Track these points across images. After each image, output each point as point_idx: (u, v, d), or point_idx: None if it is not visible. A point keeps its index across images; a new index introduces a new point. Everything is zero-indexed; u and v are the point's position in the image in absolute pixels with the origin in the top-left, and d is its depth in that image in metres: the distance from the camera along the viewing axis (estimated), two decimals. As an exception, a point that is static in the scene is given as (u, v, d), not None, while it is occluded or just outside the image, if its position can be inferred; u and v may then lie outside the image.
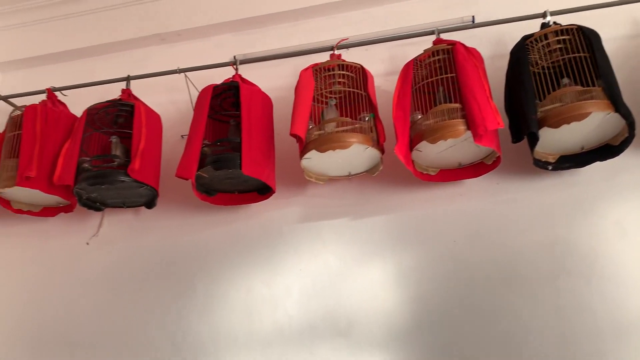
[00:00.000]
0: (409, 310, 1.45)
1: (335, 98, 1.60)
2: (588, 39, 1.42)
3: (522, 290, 1.40)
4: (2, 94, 1.77)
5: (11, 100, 1.76)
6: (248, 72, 1.67)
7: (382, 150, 1.49)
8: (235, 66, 1.64)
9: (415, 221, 1.55)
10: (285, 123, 1.54)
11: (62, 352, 1.57)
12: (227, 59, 1.76)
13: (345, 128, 1.44)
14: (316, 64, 1.57)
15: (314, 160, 1.49)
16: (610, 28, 1.57)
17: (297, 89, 1.53)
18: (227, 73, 1.67)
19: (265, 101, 1.59)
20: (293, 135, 1.43)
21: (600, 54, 1.40)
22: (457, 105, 1.39)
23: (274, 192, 1.56)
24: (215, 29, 1.85)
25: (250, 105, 1.50)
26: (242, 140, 1.43)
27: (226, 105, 1.60)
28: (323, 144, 1.41)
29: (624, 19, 1.63)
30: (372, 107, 1.52)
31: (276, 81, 1.72)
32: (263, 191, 1.60)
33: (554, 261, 1.43)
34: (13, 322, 1.62)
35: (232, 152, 1.45)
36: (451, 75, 1.45)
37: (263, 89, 1.60)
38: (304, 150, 1.45)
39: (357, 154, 1.46)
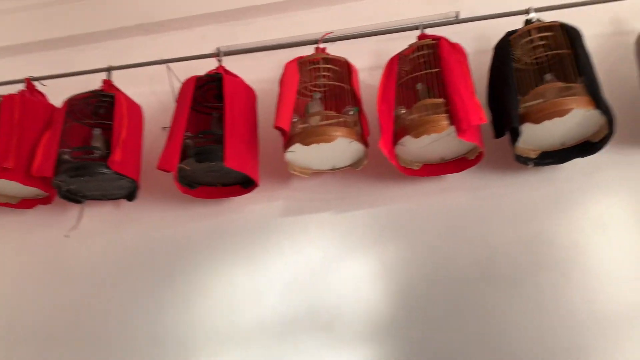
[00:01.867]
0: (390, 305, 1.46)
1: (319, 91, 1.60)
2: (570, 35, 1.44)
3: (503, 285, 1.42)
4: (-21, 84, 1.73)
5: (-12, 89, 1.70)
6: (232, 64, 1.66)
7: (366, 144, 1.49)
8: (218, 58, 1.63)
9: (399, 215, 1.56)
10: (269, 116, 1.53)
11: (41, 346, 1.57)
12: (210, 50, 1.75)
13: (329, 122, 1.44)
14: (301, 57, 1.56)
15: (298, 154, 1.49)
16: (592, 25, 1.59)
17: (282, 81, 1.53)
18: (210, 65, 1.66)
19: (248, 93, 1.59)
20: (277, 128, 1.42)
21: (582, 51, 1.41)
22: (441, 100, 1.40)
23: (257, 186, 1.56)
24: (199, 20, 1.84)
25: (233, 97, 1.49)
26: (225, 133, 1.42)
27: (209, 97, 1.58)
28: (307, 137, 1.41)
29: (605, 16, 1.65)
30: (357, 101, 1.52)
31: (260, 73, 1.72)
32: (246, 184, 1.60)
33: (535, 257, 1.45)
34: (-10, 316, 1.64)
35: (215, 144, 1.43)
36: (435, 70, 1.46)
37: (247, 82, 1.60)
38: (288, 143, 1.45)
39: (341, 147, 1.47)
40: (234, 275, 1.56)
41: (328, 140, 1.41)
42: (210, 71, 1.58)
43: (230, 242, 1.59)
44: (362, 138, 1.47)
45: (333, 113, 1.47)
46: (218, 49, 1.71)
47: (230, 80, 1.52)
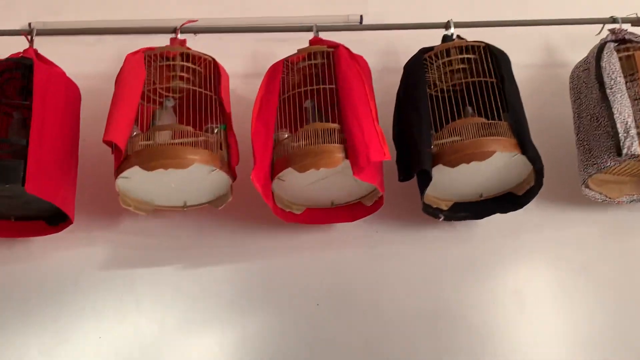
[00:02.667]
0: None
1: (173, 98, 1.61)
2: (496, 61, 1.55)
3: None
4: None
5: None
6: (49, 48, 1.62)
7: (233, 175, 1.50)
8: (29, 37, 1.59)
9: (270, 274, 1.60)
10: (99, 125, 1.48)
11: None
12: (19, 25, 1.73)
13: (184, 140, 1.44)
14: (150, 49, 1.55)
15: (136, 181, 1.47)
16: (522, 52, 1.74)
17: (120, 78, 1.52)
18: (18, 45, 1.61)
19: (70, 91, 1.56)
20: (107, 142, 1.40)
21: (509, 82, 1.53)
22: (335, 125, 1.46)
23: (71, 223, 1.51)
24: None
25: (47, 93, 1.46)
26: (30, 143, 1.38)
27: (10, 91, 1.54)
28: (151, 160, 1.40)
29: (538, 43, 1.84)
30: (224, 116, 1.54)
31: (89, 65, 1.71)
32: (54, 220, 1.56)
33: (439, 335, 1.53)
34: None
35: (12, 158, 1.38)
36: (330, 86, 1.52)
37: (69, 75, 1.57)
38: (122, 165, 1.43)
39: (198, 177, 1.47)
40: (24, 349, 1.49)
41: (180, 165, 1.41)
42: (14, 54, 1.54)
43: (22, 302, 1.53)
44: (228, 166, 1.49)
45: (190, 129, 1.46)
46: (30, 24, 1.70)
47: (44, 70, 1.49)
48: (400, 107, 1.61)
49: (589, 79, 1.57)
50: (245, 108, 1.62)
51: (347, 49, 1.58)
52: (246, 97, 1.71)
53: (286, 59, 1.59)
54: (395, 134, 1.59)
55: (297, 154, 1.43)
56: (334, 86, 1.52)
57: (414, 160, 1.47)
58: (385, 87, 1.66)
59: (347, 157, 1.40)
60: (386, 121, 1.59)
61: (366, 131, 1.42)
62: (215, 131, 1.52)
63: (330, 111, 1.54)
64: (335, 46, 1.57)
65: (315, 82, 1.57)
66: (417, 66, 1.59)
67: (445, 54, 1.60)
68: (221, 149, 1.49)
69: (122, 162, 1.42)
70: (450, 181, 1.53)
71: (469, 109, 1.58)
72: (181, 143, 1.43)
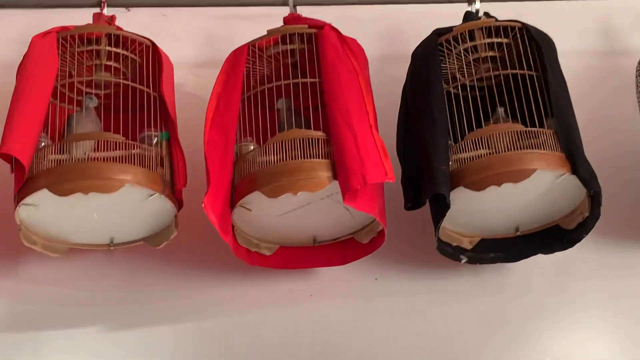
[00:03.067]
0: None
1: (97, 96, 1.58)
2: (537, 47, 1.52)
3: None
4: None
5: None
6: None
7: (178, 202, 1.48)
8: None
9: (230, 337, 1.57)
10: None
11: None
12: None
13: (111, 154, 1.43)
14: (65, 28, 1.54)
15: (45, 210, 1.44)
16: (572, 35, 1.71)
17: (23, 69, 1.51)
18: None
19: None
20: (4, 156, 1.38)
21: (554, 75, 1.49)
22: (319, 134, 1.44)
23: None
24: None
25: None
26: None
27: None
28: (65, 181, 1.38)
29: (594, 23, 1.79)
30: (167, 121, 1.52)
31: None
32: None
33: None
34: None
35: None
36: (312, 80, 1.50)
37: None
38: (25, 188, 1.40)
39: (130, 204, 1.45)
40: None
41: (106, 188, 1.39)
42: None
43: None
44: (172, 190, 1.47)
45: (120, 138, 1.46)
46: None
47: None
48: (408, 109, 1.59)
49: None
50: (196, 110, 1.61)
51: (335, 29, 1.55)
52: (197, 94, 1.71)
53: (252, 44, 1.57)
54: (400, 146, 1.58)
55: (266, 173, 1.42)
56: (317, 80, 1.51)
57: (426, 181, 1.44)
58: (387, 81, 1.65)
59: (335, 177, 1.39)
60: (388, 128, 1.57)
61: (361, 142, 1.40)
62: (155, 141, 1.51)
63: (313, 115, 1.54)
64: (320, 26, 1.56)
65: (292, 75, 1.54)
66: (430, 54, 1.57)
67: (467, 38, 1.57)
68: (162, 165, 1.48)
69: (25, 183, 1.41)
70: (476, 210, 1.50)
71: (500, 111, 1.54)
72: (107, 158, 1.43)
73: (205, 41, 1.80)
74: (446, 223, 1.47)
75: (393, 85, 1.63)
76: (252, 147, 1.49)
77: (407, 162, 1.55)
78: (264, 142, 1.48)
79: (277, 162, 1.42)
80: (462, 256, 1.55)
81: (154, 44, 1.58)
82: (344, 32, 1.57)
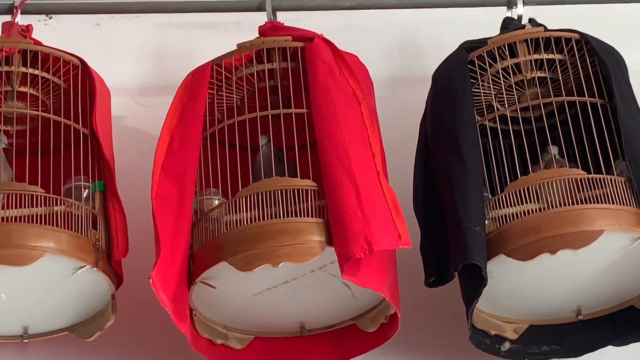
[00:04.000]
0: None
1: (8, 134, 1.63)
2: (602, 66, 1.55)
3: None
4: None
5: None
6: None
7: (117, 278, 1.52)
8: None
9: None
10: None
11: None
12: None
13: (25, 212, 1.46)
14: None
15: None
16: None
17: None
18: None
19: None
20: None
21: (626, 103, 1.52)
22: (309, 183, 1.47)
23: None
24: None
25: None
26: None
27: None
28: None
29: None
30: (102, 167, 1.55)
31: None
32: None
33: None
34: None
35: None
36: (298, 111, 1.55)
37: None
38: None
39: (51, 280, 1.48)
40: None
41: (18, 259, 1.41)
42: None
43: None
44: (108, 261, 1.49)
45: (39, 190, 1.48)
46: None
47: None
48: (428, 148, 1.63)
49: None
50: (141, 151, 1.68)
51: (329, 43, 1.60)
52: (143, 129, 1.78)
53: (216, 62, 1.61)
54: (418, 199, 1.61)
55: (237, 238, 1.44)
56: (305, 111, 1.55)
57: (455, 247, 1.46)
58: (400, 111, 1.70)
59: (330, 242, 1.40)
60: (402, 175, 1.62)
61: (365, 194, 1.42)
62: (86, 194, 1.54)
63: (300, 157, 1.54)
64: (308, 38, 1.60)
65: (270, 105, 1.58)
66: (458, 75, 1.61)
67: (507, 54, 1.60)
68: (95, 227, 1.50)
69: None
70: (522, 286, 1.53)
71: (553, 151, 1.57)
72: (21, 218, 1.45)
73: (154, 59, 1.84)
74: (482, 304, 1.50)
75: (408, 116, 1.68)
76: (217, 202, 1.53)
77: (428, 220, 1.58)
78: (233, 195, 1.50)
79: (251, 222, 1.43)
80: (502, 349, 1.57)
81: (84, 63, 1.61)
82: (342, 46, 1.61)
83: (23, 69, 1.59)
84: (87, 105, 1.59)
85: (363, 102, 1.54)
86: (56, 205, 1.47)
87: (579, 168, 1.49)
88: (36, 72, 1.60)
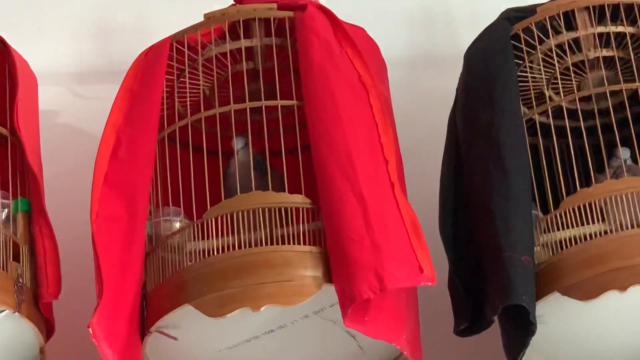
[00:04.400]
0: None
1: None
2: None
3: None
4: None
5: None
6: None
7: (46, 324, 1.51)
8: None
9: None
10: None
11: None
12: None
13: None
14: None
15: None
16: None
17: None
18: None
19: None
20: None
21: None
22: (301, 199, 1.46)
23: None
24: None
25: None
26: None
27: None
28: None
29: None
30: (27, 178, 1.56)
31: None
32: None
33: None
34: None
35: None
36: (286, 103, 1.53)
37: None
38: None
39: None
40: None
41: None
42: None
43: None
44: (35, 303, 1.48)
45: None
46: None
47: None
48: (459, 150, 1.62)
49: None
50: (78, 156, 1.65)
51: (326, 11, 1.59)
52: (81, 127, 1.72)
53: (176, 39, 1.60)
54: (446, 220, 1.61)
55: (205, 273, 1.41)
56: (295, 103, 1.53)
57: (494, 283, 1.44)
58: (422, 103, 1.62)
59: (329, 278, 1.36)
60: (424, 188, 1.63)
61: (374, 213, 1.38)
62: (5, 216, 1.54)
63: (288, 164, 1.51)
64: (300, 6, 1.59)
65: (249, 95, 1.54)
66: (499, 55, 1.58)
67: (564, 25, 1.57)
68: (18, 259, 1.49)
69: None
70: (583, 333, 1.51)
71: (624, 155, 1.55)
72: None
73: (96, 35, 1.80)
74: (531, 356, 1.43)
75: (432, 109, 1.60)
76: (178, 225, 1.51)
77: (458, 248, 1.55)
78: (199, 216, 1.47)
79: (223, 251, 1.41)
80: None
81: (3, 42, 1.58)
82: (345, 17, 1.58)
83: None
84: (5, 98, 1.60)
85: (372, 90, 1.51)
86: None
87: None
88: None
